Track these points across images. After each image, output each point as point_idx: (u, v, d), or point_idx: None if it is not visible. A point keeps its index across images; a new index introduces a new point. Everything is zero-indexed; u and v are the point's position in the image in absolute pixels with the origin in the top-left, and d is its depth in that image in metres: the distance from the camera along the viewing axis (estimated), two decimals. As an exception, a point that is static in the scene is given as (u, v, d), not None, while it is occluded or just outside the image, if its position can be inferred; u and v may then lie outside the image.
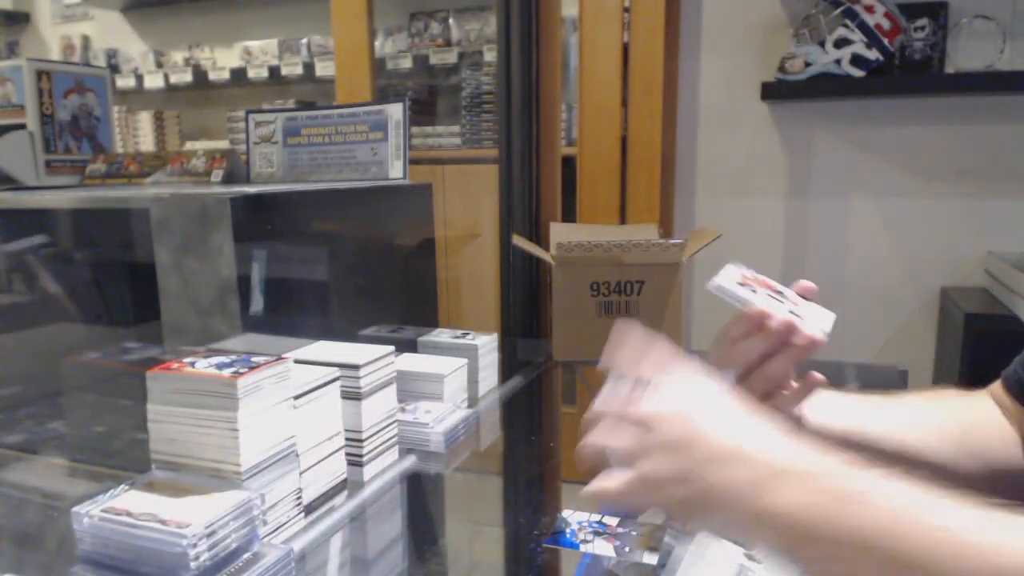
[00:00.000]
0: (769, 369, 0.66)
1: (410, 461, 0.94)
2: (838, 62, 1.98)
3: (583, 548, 0.71)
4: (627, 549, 0.70)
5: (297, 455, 0.74)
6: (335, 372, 0.81)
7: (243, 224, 0.97)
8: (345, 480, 0.84)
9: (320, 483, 0.79)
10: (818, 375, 0.67)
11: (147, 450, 0.71)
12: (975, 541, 0.41)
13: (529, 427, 1.23)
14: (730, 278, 0.68)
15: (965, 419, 0.74)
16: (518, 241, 1.49)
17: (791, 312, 0.66)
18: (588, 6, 2.22)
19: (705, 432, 0.49)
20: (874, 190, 2.15)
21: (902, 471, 0.74)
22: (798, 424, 0.70)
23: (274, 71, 3.15)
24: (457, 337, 1.18)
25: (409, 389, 1.05)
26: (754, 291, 0.67)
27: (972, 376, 1.78)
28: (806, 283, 0.71)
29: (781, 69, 2.05)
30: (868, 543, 0.43)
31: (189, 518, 0.61)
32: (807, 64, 2.01)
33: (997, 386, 0.77)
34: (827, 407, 0.73)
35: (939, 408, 0.76)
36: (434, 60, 2.84)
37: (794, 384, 0.69)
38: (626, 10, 2.20)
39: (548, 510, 0.84)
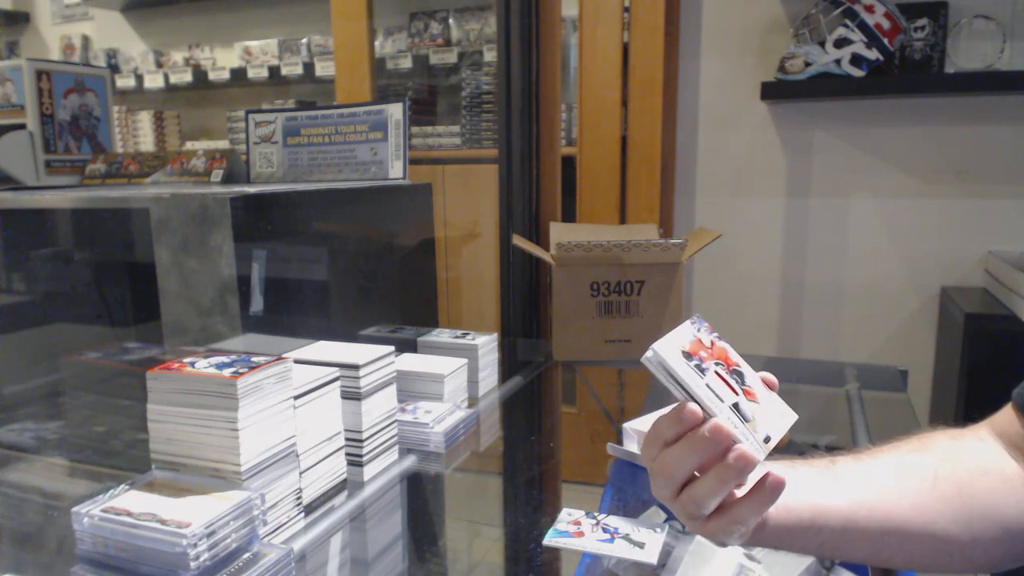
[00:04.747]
0: (695, 491, 0.52)
1: (410, 461, 0.94)
2: (838, 62, 1.97)
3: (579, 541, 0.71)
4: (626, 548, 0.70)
5: (297, 455, 0.75)
6: (335, 372, 0.81)
7: (243, 224, 0.97)
8: (345, 480, 0.84)
9: (320, 483, 0.79)
10: (778, 476, 0.52)
11: (147, 450, 0.71)
12: None
13: (529, 427, 1.23)
14: (675, 347, 0.52)
15: (958, 472, 0.61)
16: (518, 241, 1.49)
17: (736, 408, 0.52)
18: (588, 6, 2.22)
19: None
20: (874, 190, 2.15)
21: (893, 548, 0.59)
22: (760, 525, 0.56)
23: (274, 71, 3.15)
24: (457, 337, 1.18)
25: (409, 389, 1.05)
26: (703, 370, 0.52)
27: (972, 376, 1.79)
28: (768, 376, 0.58)
29: (781, 69, 2.05)
30: None
31: (189, 518, 0.61)
32: (807, 64, 2.01)
33: (1005, 413, 0.66)
34: (787, 489, 0.55)
35: (926, 463, 0.62)
36: (434, 60, 2.84)
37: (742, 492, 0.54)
38: (626, 10, 2.20)
39: (548, 510, 0.84)
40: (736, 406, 0.52)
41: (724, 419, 0.50)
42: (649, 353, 0.52)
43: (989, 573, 0.64)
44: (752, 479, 0.53)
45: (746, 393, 0.54)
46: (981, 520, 0.60)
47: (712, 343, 0.55)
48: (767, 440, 0.53)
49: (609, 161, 2.25)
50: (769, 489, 0.52)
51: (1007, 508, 0.60)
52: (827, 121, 2.17)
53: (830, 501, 0.58)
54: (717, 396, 0.52)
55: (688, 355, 0.52)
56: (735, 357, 0.56)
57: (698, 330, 0.55)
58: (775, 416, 0.55)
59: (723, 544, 0.58)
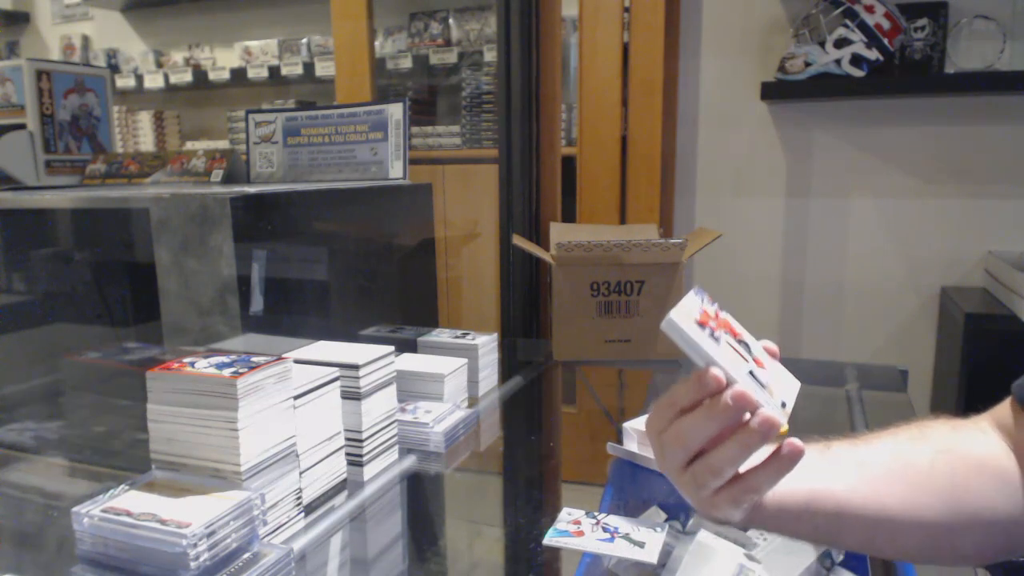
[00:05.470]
0: (715, 459, 0.51)
1: (410, 461, 0.94)
2: (838, 62, 1.97)
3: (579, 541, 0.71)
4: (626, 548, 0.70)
5: (297, 455, 0.74)
6: (335, 372, 0.81)
7: (243, 224, 0.97)
8: (345, 480, 0.84)
9: (320, 483, 0.79)
10: (796, 444, 0.51)
11: (147, 450, 0.71)
12: None
13: (529, 427, 1.23)
14: (689, 314, 0.51)
15: (955, 466, 0.61)
16: (518, 241, 1.49)
17: (752, 375, 0.51)
18: (588, 6, 2.22)
19: None
20: (874, 190, 2.15)
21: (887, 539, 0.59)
22: (757, 506, 0.56)
23: (274, 71, 3.15)
24: (457, 337, 1.18)
25: (409, 389, 1.05)
26: (716, 338, 0.51)
27: (972, 376, 1.79)
28: (769, 345, 0.57)
29: (781, 69, 2.05)
30: None
31: (189, 518, 0.61)
32: (807, 64, 2.01)
33: (1005, 406, 0.65)
34: None
35: (924, 454, 0.61)
36: (434, 60, 2.84)
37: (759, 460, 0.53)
38: (626, 10, 2.20)
39: (548, 510, 0.84)
40: (751, 373, 0.51)
41: (745, 386, 0.50)
42: (666, 322, 0.50)
43: (976, 566, 0.64)
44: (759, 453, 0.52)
45: (755, 362, 0.53)
46: (972, 515, 0.59)
47: (716, 313, 0.54)
48: (783, 406, 0.52)
49: (609, 161, 2.25)
50: (787, 457, 0.51)
51: (999, 504, 0.59)
52: (827, 121, 2.17)
53: (826, 486, 0.58)
54: (733, 364, 0.51)
55: (701, 325, 0.51)
56: (738, 327, 0.56)
57: (702, 300, 0.54)
58: (784, 383, 0.55)
59: (721, 521, 0.57)
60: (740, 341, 0.54)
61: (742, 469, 0.52)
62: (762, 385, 0.51)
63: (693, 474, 0.52)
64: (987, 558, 0.62)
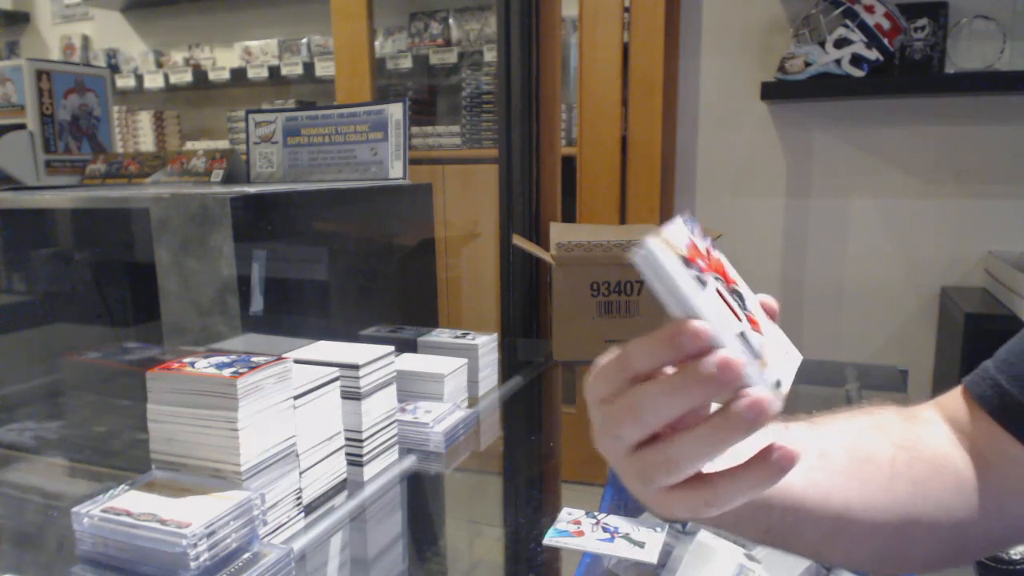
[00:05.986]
0: (675, 450, 0.37)
1: (410, 461, 0.94)
2: (838, 62, 1.97)
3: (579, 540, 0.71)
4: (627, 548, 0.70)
5: (297, 455, 0.75)
6: (335, 372, 0.81)
7: (243, 224, 0.97)
8: (345, 480, 0.84)
9: (320, 483, 0.79)
10: (789, 449, 0.37)
11: (147, 450, 0.71)
12: None
13: (529, 427, 1.23)
14: (672, 246, 0.36)
15: (915, 467, 0.54)
16: (518, 241, 1.49)
17: (743, 338, 0.37)
18: (588, 6, 2.22)
19: None
20: (874, 190, 2.15)
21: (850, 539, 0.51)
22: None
23: (274, 71, 3.15)
24: (457, 337, 1.18)
25: (409, 389, 1.05)
26: (703, 282, 0.37)
27: (972, 376, 1.79)
28: (768, 301, 0.44)
29: (781, 69, 2.05)
30: None
31: (189, 518, 0.61)
32: (807, 64, 2.01)
33: (955, 399, 0.58)
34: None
35: (884, 453, 0.54)
36: (434, 60, 2.84)
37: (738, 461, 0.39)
38: (626, 10, 2.20)
39: (548, 510, 0.84)
40: (742, 335, 0.37)
41: (734, 352, 0.35)
42: (642, 251, 0.35)
43: (919, 573, 0.58)
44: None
45: (748, 320, 0.39)
46: (929, 520, 0.53)
47: (708, 251, 0.40)
48: (778, 385, 0.38)
49: (609, 161, 2.25)
50: (776, 465, 0.37)
51: (955, 508, 0.53)
52: (827, 121, 2.17)
53: (785, 480, 0.48)
54: (721, 320, 0.36)
55: (686, 262, 0.37)
56: (733, 273, 0.42)
57: (691, 232, 0.39)
58: (782, 354, 0.41)
59: (667, 518, 0.46)
60: (733, 291, 0.40)
61: (710, 468, 0.39)
62: (755, 354, 0.37)
63: (642, 462, 0.39)
64: (933, 566, 0.56)
